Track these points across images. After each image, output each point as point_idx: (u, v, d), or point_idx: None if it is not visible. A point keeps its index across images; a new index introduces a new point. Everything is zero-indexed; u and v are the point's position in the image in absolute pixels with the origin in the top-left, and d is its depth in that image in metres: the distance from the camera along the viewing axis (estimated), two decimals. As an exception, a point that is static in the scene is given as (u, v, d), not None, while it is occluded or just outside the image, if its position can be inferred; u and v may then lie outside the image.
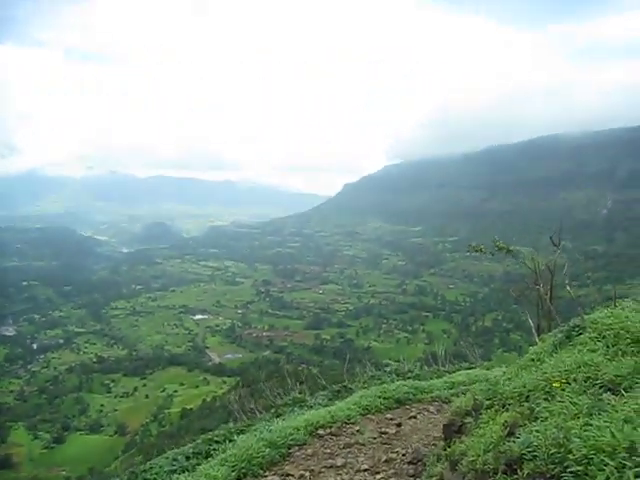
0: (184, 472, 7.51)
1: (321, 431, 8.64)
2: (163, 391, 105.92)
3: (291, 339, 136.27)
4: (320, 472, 7.17)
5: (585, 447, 2.88)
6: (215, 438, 9.35)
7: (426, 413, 9.81)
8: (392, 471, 7.05)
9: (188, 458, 8.54)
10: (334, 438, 8.50)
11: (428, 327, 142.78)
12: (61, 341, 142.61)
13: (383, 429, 8.91)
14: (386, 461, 7.44)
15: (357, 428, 8.90)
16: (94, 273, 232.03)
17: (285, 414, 10.50)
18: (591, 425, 3.08)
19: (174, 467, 8.17)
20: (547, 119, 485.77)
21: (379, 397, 10.10)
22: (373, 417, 9.54)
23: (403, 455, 7.63)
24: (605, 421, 3.04)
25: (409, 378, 12.45)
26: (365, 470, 7.16)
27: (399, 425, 9.12)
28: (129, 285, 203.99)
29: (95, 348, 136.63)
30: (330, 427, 8.82)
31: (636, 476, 2.41)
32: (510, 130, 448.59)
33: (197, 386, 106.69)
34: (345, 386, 12.50)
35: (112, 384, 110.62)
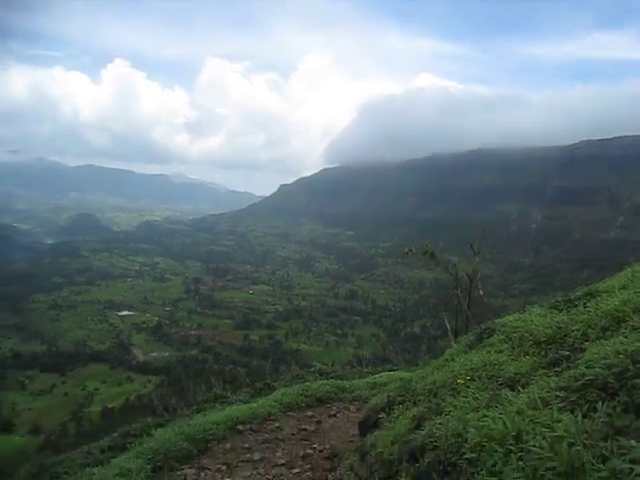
0: (98, 465, 7.35)
1: (241, 427, 8.71)
2: (83, 389, 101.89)
3: (219, 339, 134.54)
4: (237, 466, 7.23)
5: (479, 436, 3.12)
6: (132, 432, 9.23)
7: (346, 412, 10.04)
8: (308, 466, 7.20)
9: (103, 451, 8.39)
10: (253, 433, 8.59)
11: (358, 331, 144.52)
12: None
13: (303, 426, 9.08)
14: (303, 456, 7.60)
15: (277, 424, 9.01)
16: (12, 264, 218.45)
17: (206, 410, 10.48)
18: (487, 417, 3.32)
19: (87, 460, 8.00)
20: (485, 133, 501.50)
21: (301, 395, 10.26)
22: (294, 414, 9.69)
23: (320, 451, 7.81)
24: (500, 413, 3.28)
25: (332, 378, 12.67)
26: (282, 465, 7.28)
27: (319, 422, 9.30)
28: (51, 278, 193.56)
29: (10, 342, 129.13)
30: (250, 423, 8.90)
31: (519, 460, 2.63)
32: (447, 141, 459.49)
33: (120, 384, 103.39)
34: (268, 384, 12.60)
35: (27, 381, 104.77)
